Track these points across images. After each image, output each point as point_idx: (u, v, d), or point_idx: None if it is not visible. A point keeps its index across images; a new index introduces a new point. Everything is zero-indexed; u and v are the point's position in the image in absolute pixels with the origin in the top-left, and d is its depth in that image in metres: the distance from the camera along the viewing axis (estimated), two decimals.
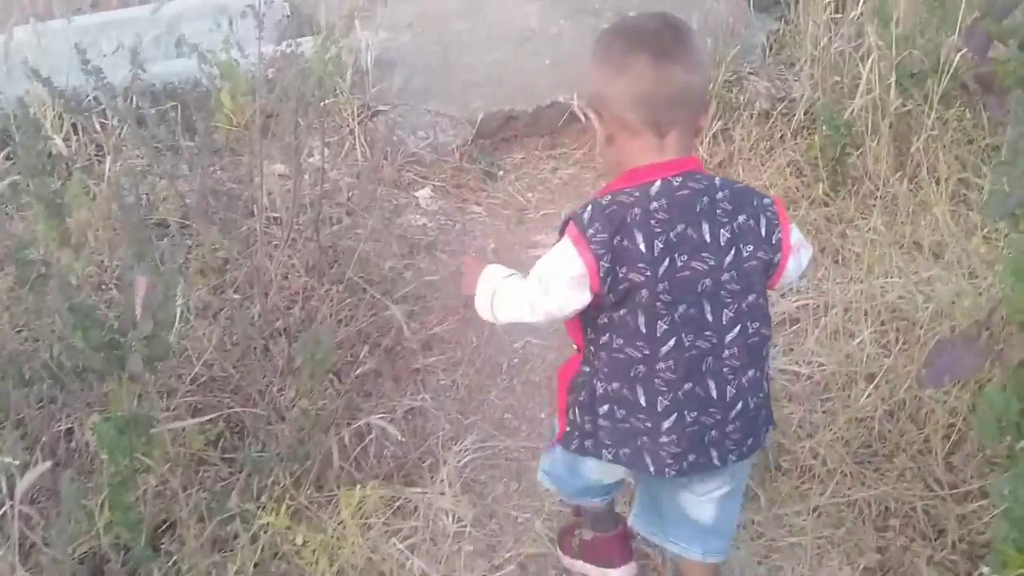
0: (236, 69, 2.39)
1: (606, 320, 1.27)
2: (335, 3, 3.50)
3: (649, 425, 1.28)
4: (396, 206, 2.59)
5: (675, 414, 1.27)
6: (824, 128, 2.36)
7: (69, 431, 1.68)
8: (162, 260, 1.60)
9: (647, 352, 1.25)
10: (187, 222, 2.27)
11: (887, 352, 1.97)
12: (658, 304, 1.23)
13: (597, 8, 3.44)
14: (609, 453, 1.33)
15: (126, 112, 2.42)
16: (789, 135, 2.75)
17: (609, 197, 1.24)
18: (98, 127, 2.52)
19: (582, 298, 1.24)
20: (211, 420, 1.76)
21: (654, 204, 1.22)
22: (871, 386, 1.87)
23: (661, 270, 1.22)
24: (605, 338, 1.28)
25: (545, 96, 3.00)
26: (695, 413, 1.27)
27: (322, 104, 2.80)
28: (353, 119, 2.85)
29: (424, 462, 1.86)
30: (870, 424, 1.82)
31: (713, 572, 1.52)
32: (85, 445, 1.65)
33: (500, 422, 1.99)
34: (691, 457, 1.29)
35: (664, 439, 1.28)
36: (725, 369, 1.27)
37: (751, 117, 2.93)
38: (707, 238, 1.23)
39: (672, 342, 1.24)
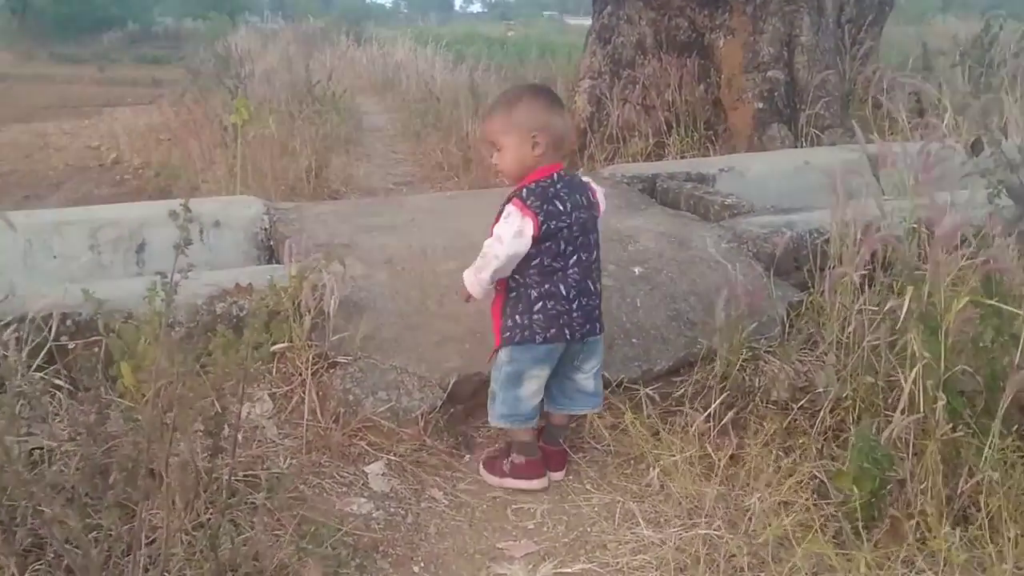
0: (146, 335, 1.94)
1: (535, 250, 2.17)
2: (317, 226, 3.22)
3: (566, 307, 2.20)
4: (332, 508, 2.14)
5: (578, 300, 2.21)
6: (860, 459, 1.94)
7: None
8: None
9: (562, 263, 2.19)
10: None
11: None
12: (570, 237, 2.19)
13: None
14: (540, 337, 2.19)
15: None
16: (811, 442, 2.33)
17: (533, 184, 2.19)
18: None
19: (523, 242, 2.14)
20: None
21: (559, 184, 2.20)
22: None
23: (572, 219, 2.19)
24: (536, 260, 2.18)
25: None
26: (586, 299, 2.23)
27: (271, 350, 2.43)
28: (307, 369, 2.45)
29: None
30: None
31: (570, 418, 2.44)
32: None
33: None
34: (587, 327, 2.24)
35: (576, 315, 2.21)
36: (594, 273, 2.26)
37: (767, 406, 2.53)
38: (582, 201, 2.23)
39: (575, 257, 2.21)
